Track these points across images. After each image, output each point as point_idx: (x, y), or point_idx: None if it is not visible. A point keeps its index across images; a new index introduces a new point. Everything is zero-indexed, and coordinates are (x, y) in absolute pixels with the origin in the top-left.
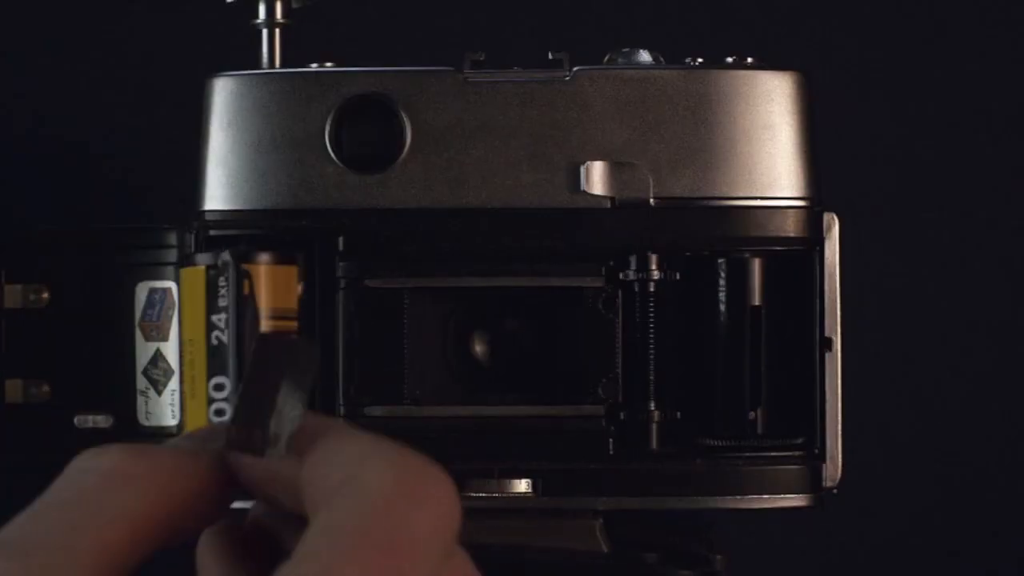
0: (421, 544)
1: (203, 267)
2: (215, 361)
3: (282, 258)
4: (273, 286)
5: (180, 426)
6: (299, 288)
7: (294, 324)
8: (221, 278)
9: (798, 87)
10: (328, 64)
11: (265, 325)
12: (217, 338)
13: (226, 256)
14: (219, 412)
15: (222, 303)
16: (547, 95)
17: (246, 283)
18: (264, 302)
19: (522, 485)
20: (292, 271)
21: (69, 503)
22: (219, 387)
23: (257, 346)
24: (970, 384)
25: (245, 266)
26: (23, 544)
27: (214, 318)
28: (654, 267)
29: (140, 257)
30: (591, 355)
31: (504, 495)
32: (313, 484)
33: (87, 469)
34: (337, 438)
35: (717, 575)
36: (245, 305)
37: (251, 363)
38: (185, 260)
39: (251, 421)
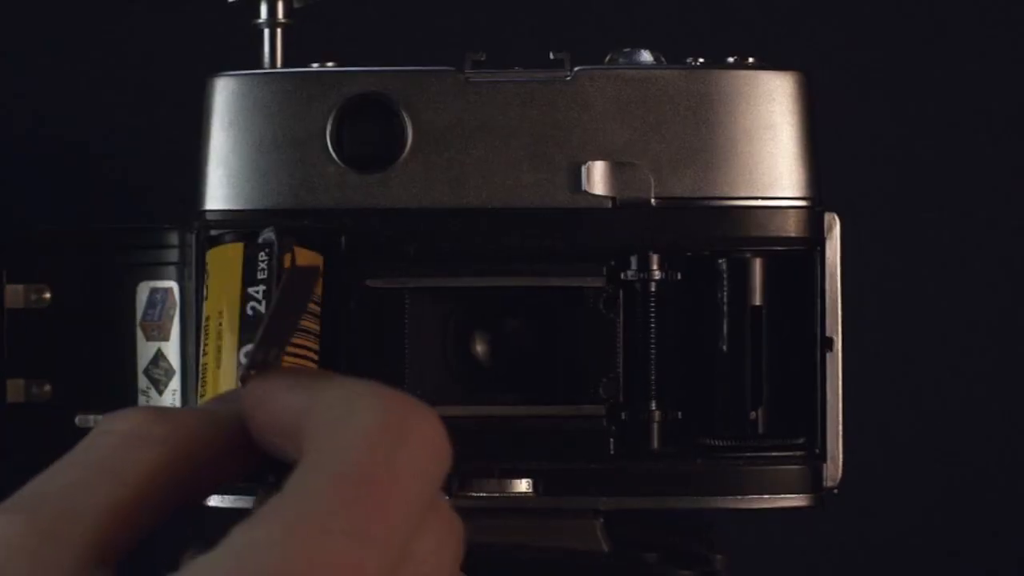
0: (404, 480)
1: (240, 244)
2: (248, 330)
3: (311, 244)
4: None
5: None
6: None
7: (317, 309)
8: (261, 253)
9: (799, 87)
10: (329, 64)
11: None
12: (253, 308)
13: (270, 234)
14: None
15: (261, 276)
16: (548, 95)
17: (287, 257)
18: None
19: (522, 485)
20: (318, 257)
21: (84, 463)
22: (247, 354)
23: (287, 276)
24: (970, 384)
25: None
26: (33, 500)
27: (251, 290)
28: (655, 267)
29: (141, 257)
30: (592, 355)
31: (504, 495)
32: (306, 428)
33: (107, 431)
34: (330, 385)
35: (717, 575)
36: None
37: (280, 291)
38: (211, 242)
39: (270, 341)
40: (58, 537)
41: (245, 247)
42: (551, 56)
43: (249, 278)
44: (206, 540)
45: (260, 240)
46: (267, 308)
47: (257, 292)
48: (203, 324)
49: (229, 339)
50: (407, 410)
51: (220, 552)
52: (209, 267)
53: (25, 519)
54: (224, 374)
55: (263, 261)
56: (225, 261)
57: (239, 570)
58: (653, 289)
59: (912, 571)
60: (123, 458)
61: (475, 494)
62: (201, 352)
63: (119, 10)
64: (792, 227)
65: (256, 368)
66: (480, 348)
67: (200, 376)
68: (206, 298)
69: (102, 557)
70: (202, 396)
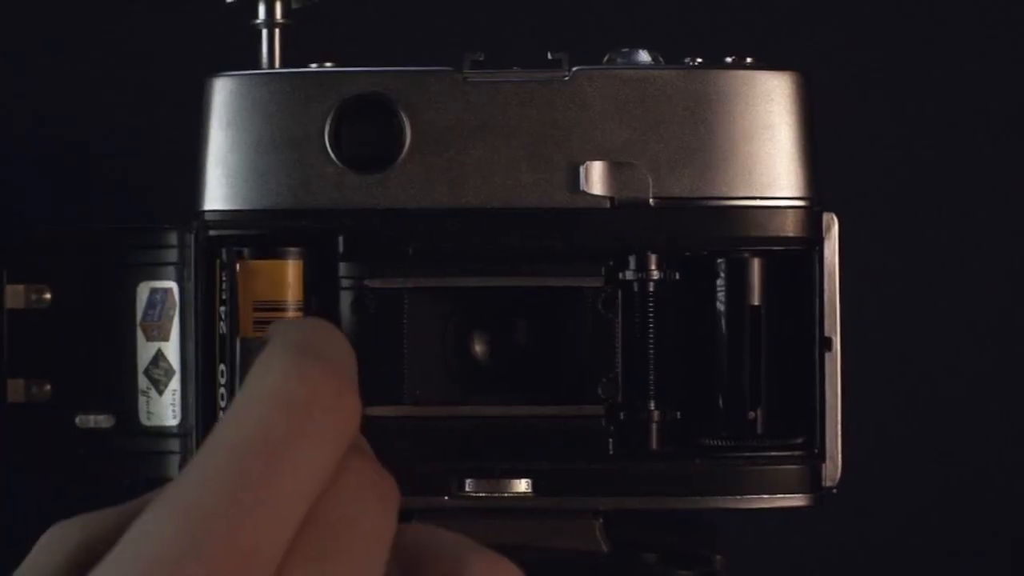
0: (299, 445)
1: (216, 259)
2: (222, 349)
3: (267, 253)
4: (260, 280)
5: (181, 425)
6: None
7: (291, 315)
8: (223, 273)
9: (797, 87)
10: (328, 64)
11: (253, 317)
12: (222, 327)
13: (223, 255)
14: (221, 396)
15: (223, 296)
16: (546, 95)
17: (234, 277)
18: (251, 295)
19: (522, 485)
20: (281, 265)
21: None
22: (222, 374)
23: (240, 347)
24: (970, 384)
25: (237, 262)
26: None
27: (221, 309)
28: (654, 267)
29: (141, 257)
30: (591, 355)
31: (504, 495)
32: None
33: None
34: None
35: (717, 575)
36: (233, 300)
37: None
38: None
39: None
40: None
41: (219, 264)
42: (549, 56)
43: (219, 298)
44: None
45: (224, 258)
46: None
47: (222, 313)
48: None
49: (214, 356)
50: (306, 372)
51: (118, 549)
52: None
53: (107, 526)
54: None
55: (224, 281)
56: (209, 277)
57: (136, 561)
58: (652, 289)
59: (912, 571)
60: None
61: (475, 494)
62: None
63: (119, 10)
64: (790, 227)
65: None
66: (479, 348)
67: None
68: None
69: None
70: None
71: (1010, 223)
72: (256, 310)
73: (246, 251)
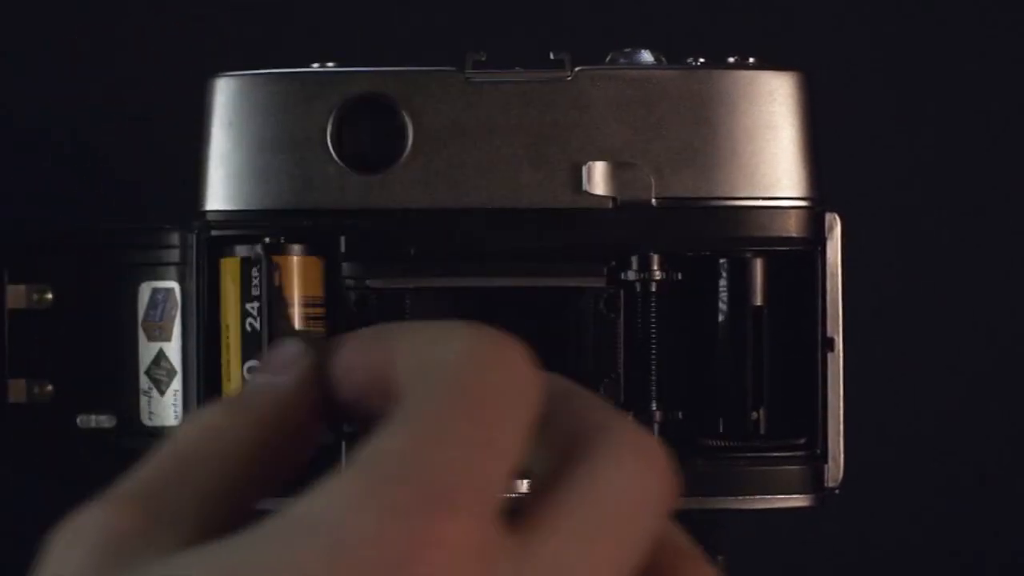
0: (506, 401)
1: (239, 257)
2: (248, 346)
3: (310, 250)
4: (303, 276)
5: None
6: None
7: (322, 311)
8: (254, 269)
9: (800, 87)
10: (329, 64)
11: (297, 312)
12: (251, 325)
13: (258, 249)
14: None
15: (255, 292)
16: (549, 95)
17: (276, 275)
18: (296, 291)
19: (522, 485)
20: (318, 262)
21: (174, 455)
22: (253, 370)
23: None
24: (970, 384)
25: (276, 258)
26: (130, 492)
27: (248, 306)
28: (656, 267)
29: (142, 257)
30: (593, 355)
31: (504, 495)
32: (400, 376)
33: (189, 424)
34: (411, 330)
35: None
36: (275, 295)
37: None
38: (218, 247)
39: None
40: (160, 522)
41: (241, 262)
42: (551, 56)
43: (245, 294)
44: None
45: (251, 256)
46: (261, 324)
47: (253, 308)
48: (221, 332)
49: (235, 354)
50: (490, 337)
51: (349, 468)
52: (220, 276)
53: (121, 510)
54: (234, 388)
55: (255, 278)
56: (228, 273)
57: (366, 481)
58: (654, 289)
59: (912, 571)
60: (206, 449)
61: None
62: (222, 359)
63: (120, 10)
64: (793, 227)
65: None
66: None
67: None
68: (220, 309)
69: (207, 536)
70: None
71: (1012, 223)
72: (305, 305)
73: (296, 247)
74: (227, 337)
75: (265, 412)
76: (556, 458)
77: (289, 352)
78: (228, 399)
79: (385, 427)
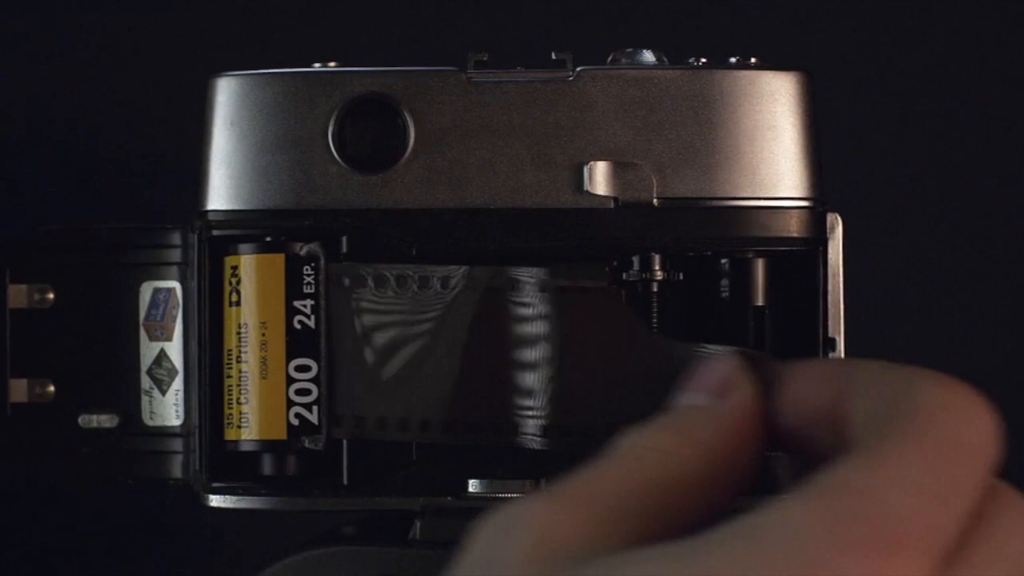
0: (968, 456)
1: (281, 255)
2: (297, 344)
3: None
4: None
5: (184, 425)
6: None
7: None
8: (307, 267)
9: (802, 87)
10: (331, 64)
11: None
12: (300, 322)
13: (315, 248)
14: (301, 392)
15: (307, 290)
16: (550, 95)
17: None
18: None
19: (524, 485)
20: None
21: (618, 470)
22: (303, 368)
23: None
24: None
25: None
26: (576, 494)
27: (297, 304)
28: (657, 267)
29: (144, 257)
30: None
31: (504, 495)
32: (858, 414)
33: (637, 444)
34: (871, 370)
35: None
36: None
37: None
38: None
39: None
40: (604, 525)
41: (287, 259)
42: (553, 56)
43: (294, 292)
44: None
45: (303, 253)
46: (316, 322)
47: (304, 306)
48: (237, 330)
49: (276, 352)
50: (957, 387)
51: (803, 490)
52: (240, 273)
53: (568, 509)
54: (272, 385)
55: (309, 276)
56: (263, 271)
57: (832, 507)
58: (655, 289)
59: None
60: (664, 473)
61: (476, 494)
62: (236, 358)
63: (119, 10)
64: (794, 227)
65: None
66: None
67: (236, 383)
68: (236, 303)
69: (607, 542)
70: (241, 404)
71: (1012, 223)
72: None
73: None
74: (262, 335)
75: (711, 441)
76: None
77: (729, 373)
78: (671, 421)
79: (847, 460)
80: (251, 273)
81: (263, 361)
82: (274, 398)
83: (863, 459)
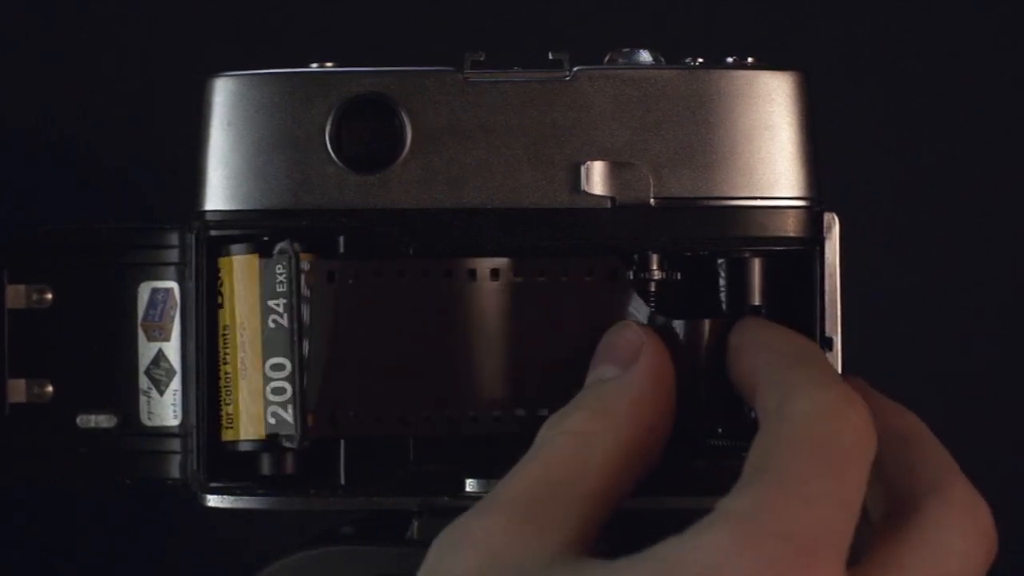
0: (852, 456)
1: (256, 255)
2: (272, 343)
3: (309, 248)
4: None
5: (182, 425)
6: None
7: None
8: (279, 266)
9: (799, 87)
10: (328, 64)
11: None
12: (275, 321)
13: (286, 245)
14: (276, 391)
15: (280, 289)
16: (547, 95)
17: (308, 273)
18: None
19: None
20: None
21: (546, 463)
22: (277, 367)
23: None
24: (970, 384)
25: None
26: (507, 500)
27: (271, 303)
28: (655, 267)
29: (142, 257)
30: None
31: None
32: (759, 403)
33: (559, 432)
34: (776, 359)
35: None
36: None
37: None
38: (218, 246)
39: None
40: (542, 529)
41: (261, 258)
42: (550, 56)
43: (268, 291)
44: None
45: (276, 251)
46: (289, 320)
47: (278, 305)
48: (222, 332)
49: (253, 352)
50: (834, 393)
51: (712, 518)
52: (223, 275)
53: (506, 518)
54: (250, 385)
55: (281, 274)
56: (241, 272)
57: (739, 533)
58: (653, 289)
59: None
60: (580, 456)
61: (475, 494)
62: (222, 360)
63: (119, 10)
64: (791, 227)
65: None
66: None
67: (223, 384)
68: (221, 306)
69: (583, 541)
70: (227, 405)
71: (1011, 223)
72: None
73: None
74: (241, 336)
75: (623, 412)
76: (892, 502)
77: (634, 341)
78: (581, 399)
79: (751, 481)
80: (230, 275)
81: (242, 362)
82: (253, 398)
83: (758, 479)
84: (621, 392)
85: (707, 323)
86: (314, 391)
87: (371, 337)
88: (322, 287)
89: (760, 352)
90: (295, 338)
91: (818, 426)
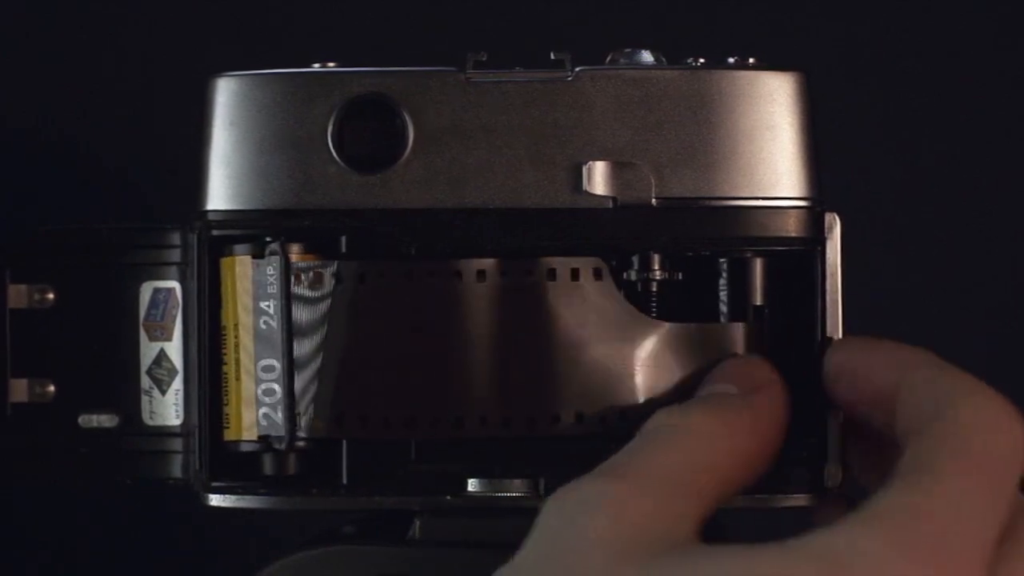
0: (1005, 471)
1: (249, 257)
2: (263, 345)
3: (312, 248)
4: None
5: (184, 425)
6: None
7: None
8: (269, 268)
9: (800, 87)
10: (330, 64)
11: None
12: (266, 323)
13: (276, 247)
14: (267, 392)
15: (271, 291)
16: (549, 95)
17: (299, 275)
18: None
19: (522, 485)
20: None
21: (671, 445)
22: (268, 368)
23: None
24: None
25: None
26: (632, 470)
27: (263, 305)
28: (656, 267)
29: (144, 257)
30: None
31: (504, 495)
32: (907, 410)
33: (667, 424)
34: (922, 370)
35: None
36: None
37: None
38: (220, 246)
39: None
40: (677, 507)
41: (254, 260)
42: (552, 56)
43: (260, 293)
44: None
45: (267, 252)
46: (279, 322)
47: (268, 307)
48: (220, 332)
49: (246, 353)
50: (997, 406)
51: (868, 516)
52: (223, 276)
53: (640, 490)
54: (244, 387)
55: (271, 275)
56: (237, 272)
57: (900, 535)
58: (654, 289)
59: None
60: (704, 450)
61: (475, 494)
62: (221, 360)
63: (119, 10)
64: (793, 227)
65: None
66: None
67: (222, 384)
68: (220, 306)
69: (696, 523)
70: (225, 405)
71: (1011, 223)
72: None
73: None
74: (235, 337)
75: (743, 430)
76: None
77: (761, 372)
78: (707, 405)
79: (902, 482)
80: (229, 275)
81: (237, 363)
82: (246, 399)
83: (916, 482)
84: (743, 408)
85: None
86: (326, 392)
87: (375, 339)
88: (323, 288)
89: (894, 366)
90: (284, 339)
91: (980, 437)
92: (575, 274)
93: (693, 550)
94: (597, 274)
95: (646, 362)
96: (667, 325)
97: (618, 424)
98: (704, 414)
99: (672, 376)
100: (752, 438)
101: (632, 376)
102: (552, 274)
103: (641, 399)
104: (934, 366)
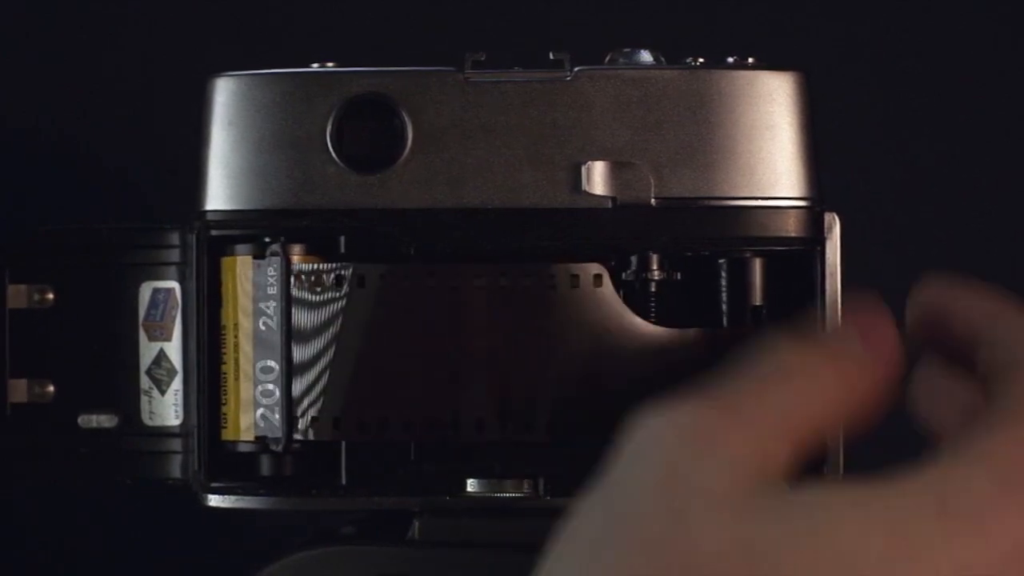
0: None
1: (250, 257)
2: (262, 346)
3: (313, 249)
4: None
5: (183, 425)
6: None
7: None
8: (270, 268)
9: (799, 87)
10: (329, 64)
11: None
12: (265, 324)
13: (276, 248)
14: (265, 393)
15: (271, 291)
16: (548, 95)
17: (298, 274)
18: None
19: (522, 485)
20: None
21: (773, 384)
22: (267, 370)
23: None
24: None
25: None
26: (727, 399)
27: (262, 305)
28: (655, 267)
29: (143, 257)
30: None
31: (504, 495)
32: (996, 352)
33: (783, 363)
34: (1011, 317)
35: None
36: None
37: None
38: (220, 246)
39: None
40: (782, 445)
41: (254, 260)
42: (551, 56)
43: (260, 294)
44: None
45: (268, 253)
46: (278, 323)
47: (268, 308)
48: (219, 332)
49: (246, 353)
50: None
51: (969, 456)
52: (223, 276)
53: (744, 423)
54: (243, 387)
55: (272, 276)
56: (237, 273)
57: (1003, 477)
58: (653, 289)
59: None
60: (801, 394)
61: (475, 494)
62: (220, 359)
63: (119, 10)
64: (792, 227)
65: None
66: None
67: (221, 383)
68: (220, 305)
69: (780, 464)
70: (224, 405)
71: (1011, 223)
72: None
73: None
74: (235, 336)
75: (858, 388)
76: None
77: (887, 332)
78: (824, 348)
79: (1001, 420)
80: (229, 275)
81: (236, 363)
82: (244, 400)
83: (1008, 415)
84: (860, 362)
85: None
86: (324, 395)
87: (374, 342)
88: (323, 291)
89: (975, 306)
90: (283, 341)
91: None
92: (575, 280)
93: (810, 489)
94: (597, 280)
95: (645, 367)
96: (667, 331)
97: (615, 428)
98: (816, 355)
99: (671, 381)
100: (855, 388)
101: (630, 381)
102: (552, 279)
103: (639, 404)
104: (1008, 306)
